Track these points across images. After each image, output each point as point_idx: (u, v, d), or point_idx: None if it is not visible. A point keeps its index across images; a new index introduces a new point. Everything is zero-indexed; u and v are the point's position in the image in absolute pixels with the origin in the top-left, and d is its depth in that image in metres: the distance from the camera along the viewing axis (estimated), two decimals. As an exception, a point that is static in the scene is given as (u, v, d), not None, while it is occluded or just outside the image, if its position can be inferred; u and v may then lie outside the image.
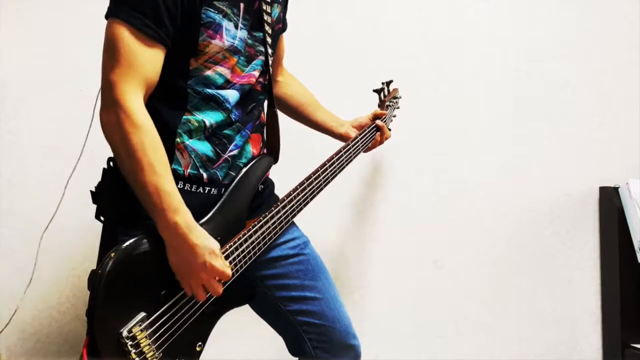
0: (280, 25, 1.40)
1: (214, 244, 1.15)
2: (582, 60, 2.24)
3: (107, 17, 1.14)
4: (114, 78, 1.10)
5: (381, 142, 1.68)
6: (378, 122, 1.65)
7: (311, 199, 1.39)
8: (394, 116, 1.87)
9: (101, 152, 1.24)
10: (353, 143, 1.52)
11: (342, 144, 1.54)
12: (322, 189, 1.41)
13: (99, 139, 1.43)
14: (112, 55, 1.11)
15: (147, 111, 1.12)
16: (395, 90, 1.90)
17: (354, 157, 1.53)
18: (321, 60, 2.07)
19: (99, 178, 1.23)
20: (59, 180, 1.70)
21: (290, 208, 1.33)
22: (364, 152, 1.62)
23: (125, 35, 1.10)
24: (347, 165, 1.49)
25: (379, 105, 1.81)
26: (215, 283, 1.16)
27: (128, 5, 1.10)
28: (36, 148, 1.88)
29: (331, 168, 1.42)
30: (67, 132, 1.83)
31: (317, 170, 1.39)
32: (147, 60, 1.12)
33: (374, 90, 1.83)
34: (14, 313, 1.79)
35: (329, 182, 1.43)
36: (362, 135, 1.57)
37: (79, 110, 1.65)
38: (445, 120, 2.15)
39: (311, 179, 1.37)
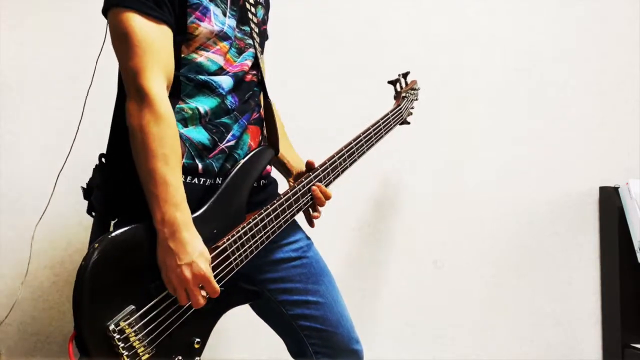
0: (265, 27, 1.40)
1: (205, 249, 1.12)
2: (582, 60, 2.24)
3: (108, 8, 1.13)
4: (136, 66, 1.10)
5: (316, 211, 1.42)
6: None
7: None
8: (412, 108, 1.80)
9: (94, 144, 1.23)
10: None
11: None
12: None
13: (90, 132, 1.43)
14: (127, 43, 1.10)
15: (169, 102, 1.12)
16: (414, 82, 1.82)
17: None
18: (321, 60, 2.07)
19: (89, 174, 1.23)
20: (59, 179, 1.70)
21: (295, 201, 1.30)
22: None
23: (136, 22, 1.10)
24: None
25: (395, 97, 1.74)
26: (198, 291, 1.12)
27: None
28: (36, 148, 1.87)
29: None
30: (67, 131, 1.83)
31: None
32: (162, 44, 1.12)
33: (389, 82, 1.76)
34: (12, 308, 1.79)
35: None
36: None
37: (78, 110, 1.65)
38: (445, 120, 2.15)
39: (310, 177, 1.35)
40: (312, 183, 1.35)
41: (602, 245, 2.20)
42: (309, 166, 1.38)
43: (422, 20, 2.15)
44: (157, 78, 1.10)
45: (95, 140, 1.34)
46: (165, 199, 1.08)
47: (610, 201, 2.17)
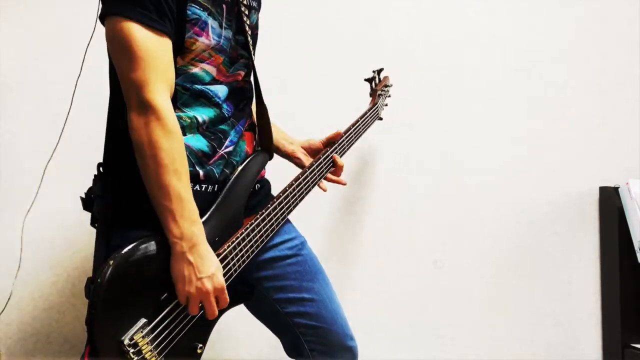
0: (257, 31, 1.40)
1: (219, 262, 1.16)
2: (582, 60, 2.24)
3: (105, 15, 1.11)
4: (139, 78, 1.08)
5: (337, 176, 1.53)
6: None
7: (306, 195, 1.40)
8: (386, 105, 1.86)
9: (83, 143, 1.23)
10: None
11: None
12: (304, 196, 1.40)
13: (73, 133, 1.43)
14: (129, 55, 1.08)
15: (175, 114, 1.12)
16: (386, 78, 1.89)
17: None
18: (320, 60, 2.07)
19: (81, 175, 1.23)
20: (58, 179, 1.70)
21: (286, 204, 1.32)
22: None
23: (137, 33, 1.08)
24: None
25: (371, 95, 1.80)
26: (214, 302, 1.15)
27: (130, 2, 1.08)
28: (36, 147, 1.87)
29: (296, 192, 1.37)
30: (68, 131, 1.83)
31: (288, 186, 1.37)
32: (164, 56, 1.11)
33: (366, 79, 1.82)
34: (8, 301, 1.78)
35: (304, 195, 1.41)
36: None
37: (79, 110, 1.66)
38: (445, 120, 2.15)
39: (300, 180, 1.38)
40: (302, 184, 1.37)
41: (602, 245, 2.20)
42: (328, 141, 1.51)
43: (422, 20, 2.15)
44: (162, 91, 1.09)
45: (84, 137, 1.33)
46: (182, 214, 1.09)
47: (610, 201, 2.17)
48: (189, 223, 1.10)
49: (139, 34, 1.08)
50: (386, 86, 1.87)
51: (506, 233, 2.17)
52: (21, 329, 1.85)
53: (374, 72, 1.85)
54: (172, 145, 1.09)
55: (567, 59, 2.23)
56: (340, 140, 1.52)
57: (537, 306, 2.17)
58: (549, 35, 2.22)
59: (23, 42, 1.88)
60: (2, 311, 1.79)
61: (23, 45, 1.88)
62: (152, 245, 1.12)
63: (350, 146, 1.57)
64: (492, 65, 2.18)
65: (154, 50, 1.09)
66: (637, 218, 2.08)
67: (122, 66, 1.10)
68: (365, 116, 1.67)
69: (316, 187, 1.46)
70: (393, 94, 1.95)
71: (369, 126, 1.69)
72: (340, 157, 1.52)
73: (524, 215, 2.18)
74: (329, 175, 1.51)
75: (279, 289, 1.35)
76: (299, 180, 1.37)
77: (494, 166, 2.17)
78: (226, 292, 1.15)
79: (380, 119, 1.83)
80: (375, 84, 1.83)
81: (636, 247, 2.08)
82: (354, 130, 1.58)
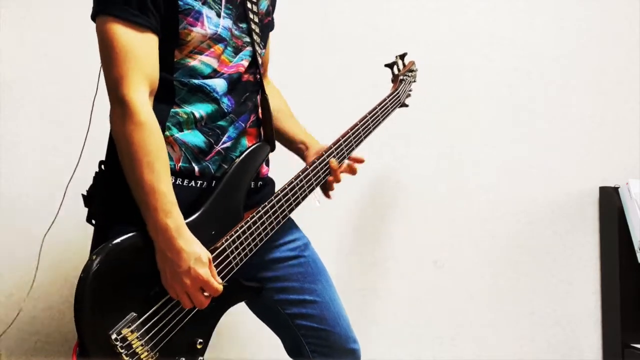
0: (270, 19, 1.38)
1: (203, 252, 1.13)
2: (582, 60, 2.24)
3: (94, 16, 1.14)
4: (116, 74, 1.10)
5: (336, 181, 1.42)
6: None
7: (310, 192, 1.36)
8: (411, 90, 1.76)
9: (102, 151, 1.24)
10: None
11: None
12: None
13: (99, 139, 1.44)
14: (109, 51, 1.11)
15: (152, 109, 1.12)
16: (412, 62, 1.80)
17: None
18: (321, 60, 2.07)
19: (81, 176, 1.23)
20: (60, 180, 1.70)
21: (290, 198, 1.30)
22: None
23: (117, 29, 1.10)
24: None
25: (392, 80, 1.72)
26: (199, 294, 1.13)
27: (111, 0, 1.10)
28: (36, 148, 1.87)
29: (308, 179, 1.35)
30: (68, 132, 1.83)
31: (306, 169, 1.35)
32: (143, 50, 1.12)
33: (386, 65, 1.74)
34: (16, 316, 1.78)
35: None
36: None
37: (79, 110, 1.65)
38: (445, 120, 2.15)
39: (314, 166, 1.35)
40: (309, 175, 1.34)
41: (602, 245, 2.20)
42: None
43: (422, 20, 2.15)
44: (138, 86, 1.10)
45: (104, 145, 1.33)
46: (155, 206, 1.09)
47: (610, 201, 2.17)
48: (162, 215, 1.09)
49: (117, 30, 1.10)
50: (411, 71, 1.76)
51: (506, 233, 2.17)
52: (21, 328, 1.84)
53: (396, 57, 1.75)
54: (144, 138, 1.09)
55: (567, 59, 2.23)
56: (356, 128, 1.44)
57: (537, 306, 2.17)
58: (549, 35, 2.22)
59: (23, 42, 1.88)
60: (9, 326, 1.78)
61: (23, 45, 1.88)
62: (139, 239, 1.11)
63: (368, 134, 1.49)
64: (492, 65, 2.18)
65: (132, 45, 1.10)
66: (637, 218, 2.08)
67: (104, 63, 1.13)
68: (385, 103, 1.57)
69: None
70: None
71: (389, 113, 1.59)
72: (357, 146, 1.46)
73: (524, 215, 2.18)
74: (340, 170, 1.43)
75: (280, 290, 1.34)
76: (306, 173, 1.33)
77: (494, 166, 2.17)
78: (212, 282, 1.13)
79: (406, 105, 1.73)
80: (397, 69, 1.73)
81: (636, 247, 2.08)
82: (371, 117, 1.49)
